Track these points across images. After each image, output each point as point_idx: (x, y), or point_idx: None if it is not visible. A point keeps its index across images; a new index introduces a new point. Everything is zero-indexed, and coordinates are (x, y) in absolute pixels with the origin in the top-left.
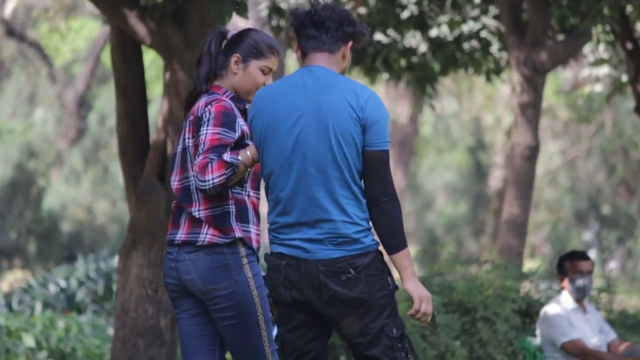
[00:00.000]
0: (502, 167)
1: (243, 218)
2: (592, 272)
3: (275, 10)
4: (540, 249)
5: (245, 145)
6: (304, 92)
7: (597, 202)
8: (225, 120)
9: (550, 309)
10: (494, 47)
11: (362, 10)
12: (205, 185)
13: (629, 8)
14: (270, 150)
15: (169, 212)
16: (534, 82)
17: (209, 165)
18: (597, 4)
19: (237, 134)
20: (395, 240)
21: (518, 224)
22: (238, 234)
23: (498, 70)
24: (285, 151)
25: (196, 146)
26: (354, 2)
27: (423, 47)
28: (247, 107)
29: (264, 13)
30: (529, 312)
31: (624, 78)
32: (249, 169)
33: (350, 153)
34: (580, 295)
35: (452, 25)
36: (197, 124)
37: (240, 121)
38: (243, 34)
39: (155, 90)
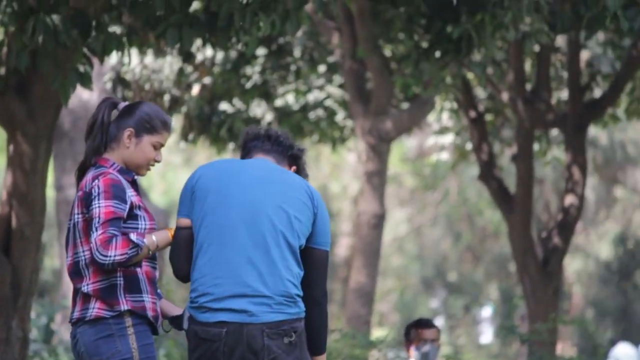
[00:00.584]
0: (349, 235)
1: (133, 289)
2: (438, 339)
3: (119, 80)
4: (388, 316)
5: (135, 216)
6: (256, 167)
7: (444, 270)
8: (115, 193)
9: None
10: (339, 116)
11: (206, 79)
12: (106, 260)
13: (470, 75)
14: (210, 211)
15: (14, 285)
16: (379, 150)
17: (113, 240)
18: (439, 73)
19: (127, 205)
20: (323, 342)
21: (365, 292)
22: (124, 306)
23: (343, 139)
24: (230, 216)
25: (86, 221)
26: (199, 72)
27: (269, 117)
28: (135, 177)
29: (108, 85)
30: None
31: (469, 146)
32: (149, 253)
33: (295, 234)
34: None
35: (297, 94)
36: (86, 200)
37: (129, 192)
38: (136, 107)
39: None
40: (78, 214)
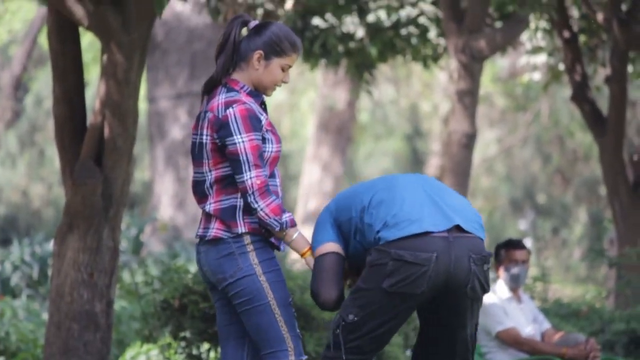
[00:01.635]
0: (439, 155)
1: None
2: (528, 261)
3: None
4: None
5: (264, 139)
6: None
7: (533, 191)
8: (254, 124)
9: (485, 297)
10: (432, 34)
11: None
12: (256, 206)
13: None
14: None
15: (106, 196)
16: (471, 70)
17: (272, 197)
18: None
19: (261, 133)
20: None
21: None
22: (242, 228)
23: (436, 57)
24: None
25: (215, 144)
26: None
27: (360, 32)
28: (264, 99)
29: None
30: None
31: (561, 66)
32: (282, 236)
33: None
34: (515, 284)
35: (389, 10)
36: (217, 125)
37: (262, 118)
38: (266, 27)
39: (92, 73)
40: (207, 135)
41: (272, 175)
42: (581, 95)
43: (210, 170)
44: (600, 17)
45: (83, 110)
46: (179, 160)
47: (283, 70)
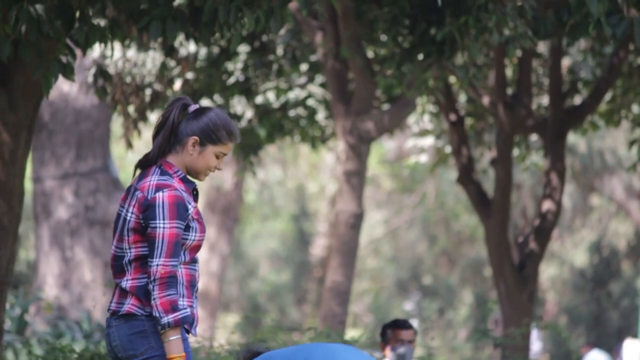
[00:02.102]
0: (325, 235)
1: None
2: (414, 341)
3: (101, 73)
4: (362, 318)
5: (188, 227)
6: None
7: (419, 272)
8: (179, 212)
9: None
10: (320, 115)
11: (189, 75)
12: (153, 294)
13: (452, 79)
14: None
15: None
16: (359, 151)
17: (167, 292)
18: (422, 75)
19: (185, 223)
20: None
21: (341, 292)
22: None
23: (324, 139)
24: None
25: (138, 223)
26: (181, 67)
27: (249, 114)
28: (195, 186)
29: (90, 78)
30: None
31: (448, 149)
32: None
33: None
34: None
35: (278, 92)
36: (144, 205)
37: (190, 206)
38: (204, 113)
39: None
40: (132, 212)
41: (193, 261)
42: (467, 177)
43: (130, 248)
44: (486, 100)
45: None
46: (65, 240)
47: (217, 157)
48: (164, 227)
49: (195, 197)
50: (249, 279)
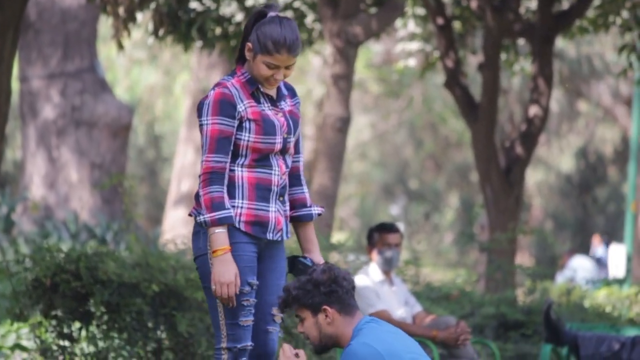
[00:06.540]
0: (313, 139)
1: (228, 193)
2: (401, 244)
3: None
4: (348, 221)
5: (241, 128)
6: None
7: (405, 177)
8: (223, 109)
9: (358, 280)
10: (308, 19)
11: None
12: (198, 188)
13: None
14: None
15: None
16: (346, 54)
17: (210, 189)
18: None
19: (236, 121)
20: None
21: (328, 195)
22: None
23: (311, 42)
24: None
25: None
26: None
27: (239, 16)
28: (262, 89)
29: None
30: None
31: (436, 53)
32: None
33: None
34: (387, 267)
35: None
36: (200, 107)
37: (242, 105)
38: (264, 21)
39: None
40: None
41: (260, 164)
42: (454, 81)
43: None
44: (474, 4)
45: None
46: (51, 140)
47: (269, 67)
48: (207, 124)
49: (272, 100)
50: None
